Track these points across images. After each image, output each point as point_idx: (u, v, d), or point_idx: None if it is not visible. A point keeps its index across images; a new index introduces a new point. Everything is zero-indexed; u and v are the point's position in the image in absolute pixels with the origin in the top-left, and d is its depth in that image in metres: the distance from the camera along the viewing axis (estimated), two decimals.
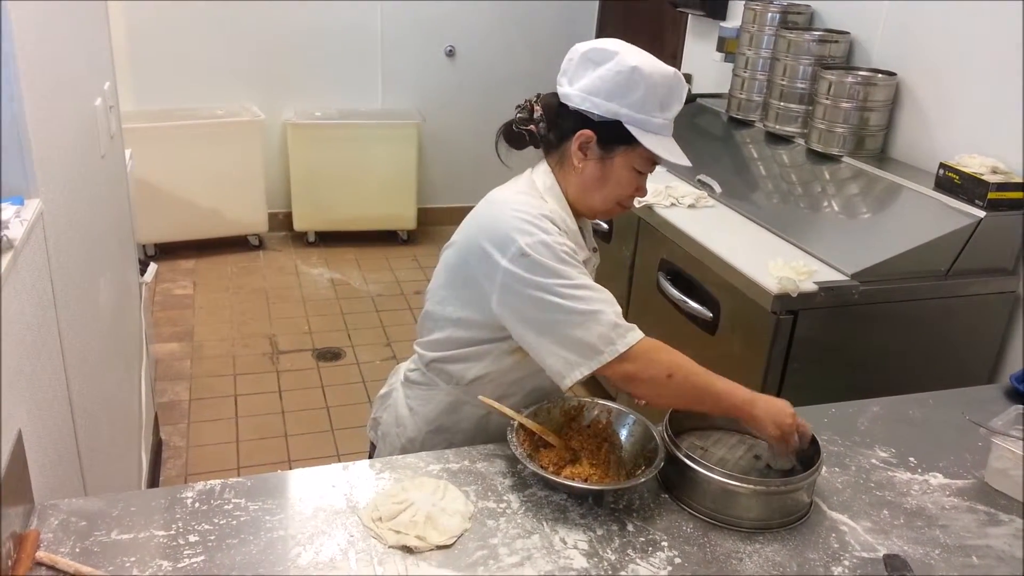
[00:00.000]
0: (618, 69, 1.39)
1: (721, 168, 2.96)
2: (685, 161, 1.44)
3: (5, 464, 1.08)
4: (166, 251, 4.63)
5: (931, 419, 1.68)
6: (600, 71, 1.40)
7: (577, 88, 1.42)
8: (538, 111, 1.48)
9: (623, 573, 1.20)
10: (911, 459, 1.54)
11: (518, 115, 1.51)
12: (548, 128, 1.47)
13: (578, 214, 1.51)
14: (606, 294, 1.38)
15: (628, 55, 1.41)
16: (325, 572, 1.16)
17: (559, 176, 1.48)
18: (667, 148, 1.42)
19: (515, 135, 1.52)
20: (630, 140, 1.41)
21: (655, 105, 1.40)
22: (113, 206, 2.30)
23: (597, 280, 1.63)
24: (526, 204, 1.41)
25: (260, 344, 3.81)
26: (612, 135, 1.41)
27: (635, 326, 1.37)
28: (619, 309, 1.38)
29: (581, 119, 1.42)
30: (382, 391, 1.71)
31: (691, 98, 3.59)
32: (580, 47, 1.45)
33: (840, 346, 2.24)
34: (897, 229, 2.35)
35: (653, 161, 1.45)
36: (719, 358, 2.41)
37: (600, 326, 1.33)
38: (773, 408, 1.38)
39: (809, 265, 2.22)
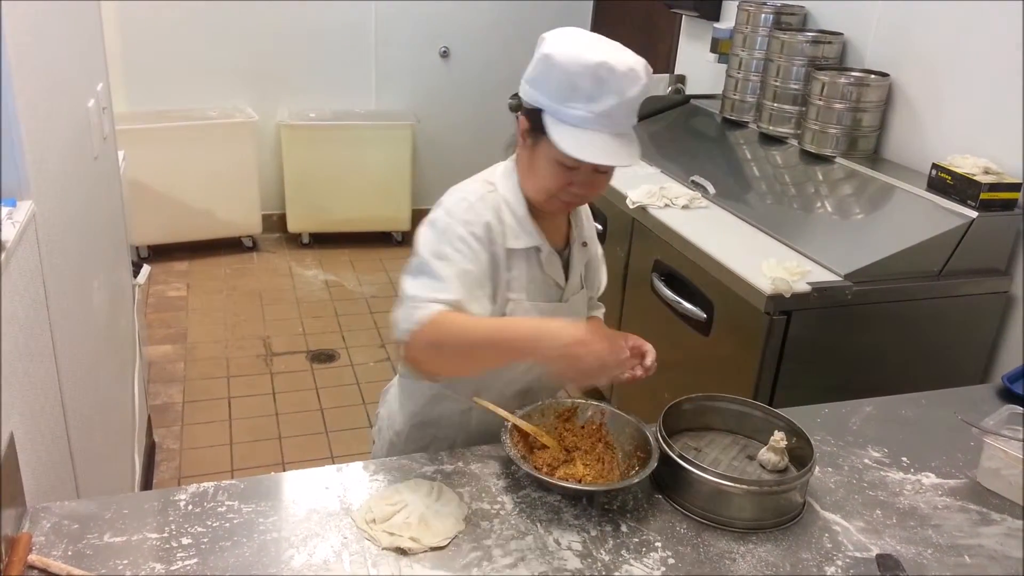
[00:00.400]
0: (538, 57, 1.36)
1: (715, 169, 2.97)
2: (609, 161, 1.34)
3: None
4: (159, 253, 4.62)
5: (924, 419, 1.69)
6: (534, 58, 1.38)
7: (524, 75, 1.42)
8: None
9: (617, 574, 1.20)
10: (904, 459, 1.54)
11: (509, 100, 1.51)
12: None
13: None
14: (440, 283, 1.33)
15: (550, 42, 1.36)
16: (319, 574, 1.16)
17: (517, 161, 1.48)
18: (587, 142, 1.32)
19: None
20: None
21: (576, 96, 1.32)
22: (106, 208, 2.30)
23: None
24: (462, 189, 1.45)
25: (254, 346, 3.80)
26: (537, 124, 1.37)
27: (431, 305, 1.30)
28: (449, 296, 1.31)
29: (523, 105, 1.41)
30: (386, 387, 1.74)
31: (684, 99, 3.60)
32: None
33: (833, 346, 2.25)
34: (890, 230, 2.36)
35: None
36: (713, 359, 2.42)
37: (404, 309, 1.33)
38: (559, 339, 1.25)
39: (802, 265, 2.22)
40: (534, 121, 1.37)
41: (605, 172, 1.41)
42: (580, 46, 1.35)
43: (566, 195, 1.41)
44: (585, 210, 1.62)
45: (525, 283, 1.46)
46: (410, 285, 1.35)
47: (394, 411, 1.63)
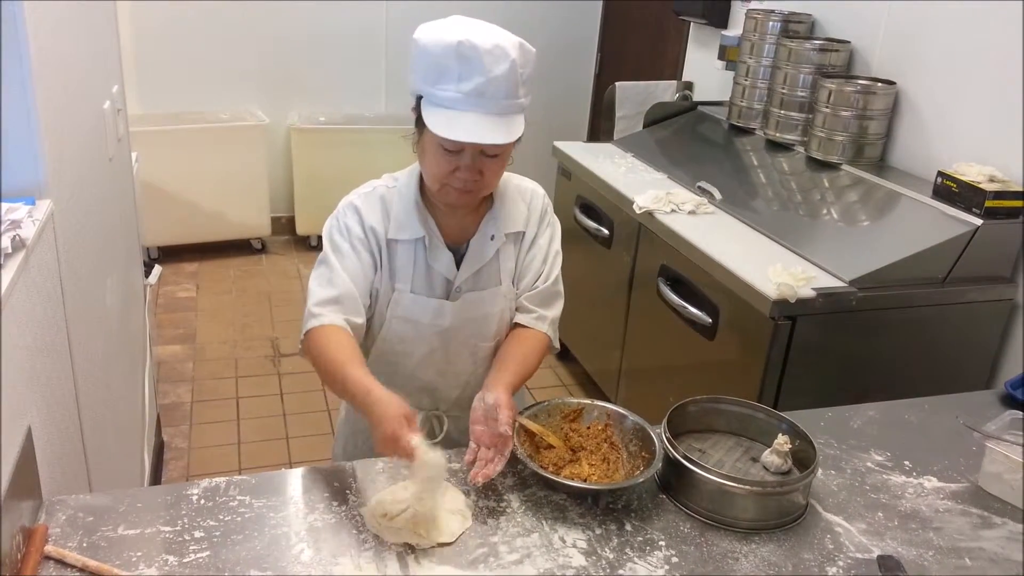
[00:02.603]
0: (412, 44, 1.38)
1: (721, 175, 2.99)
2: (478, 139, 1.32)
3: (15, 460, 1.10)
4: (170, 254, 4.65)
5: (926, 424, 1.70)
6: None
7: None
8: None
9: (621, 572, 1.22)
10: (906, 463, 1.55)
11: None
12: None
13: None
14: (330, 274, 1.46)
15: (421, 28, 1.37)
16: (328, 569, 1.18)
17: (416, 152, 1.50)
18: (458, 122, 1.32)
19: None
20: None
21: (445, 77, 1.32)
22: (120, 208, 2.33)
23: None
24: (365, 185, 1.55)
25: (262, 347, 3.83)
26: (419, 111, 1.39)
27: (323, 313, 1.43)
28: (335, 292, 1.45)
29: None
30: None
31: (692, 105, 3.61)
32: None
33: (838, 352, 2.26)
34: (895, 236, 2.37)
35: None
36: (718, 363, 2.44)
37: (309, 302, 1.47)
38: (382, 415, 1.26)
39: (808, 271, 2.24)
40: (417, 108, 1.39)
41: (493, 156, 1.38)
42: (445, 28, 1.35)
43: (456, 181, 1.40)
44: (538, 203, 1.57)
45: (410, 275, 1.50)
46: (313, 275, 1.50)
47: None
